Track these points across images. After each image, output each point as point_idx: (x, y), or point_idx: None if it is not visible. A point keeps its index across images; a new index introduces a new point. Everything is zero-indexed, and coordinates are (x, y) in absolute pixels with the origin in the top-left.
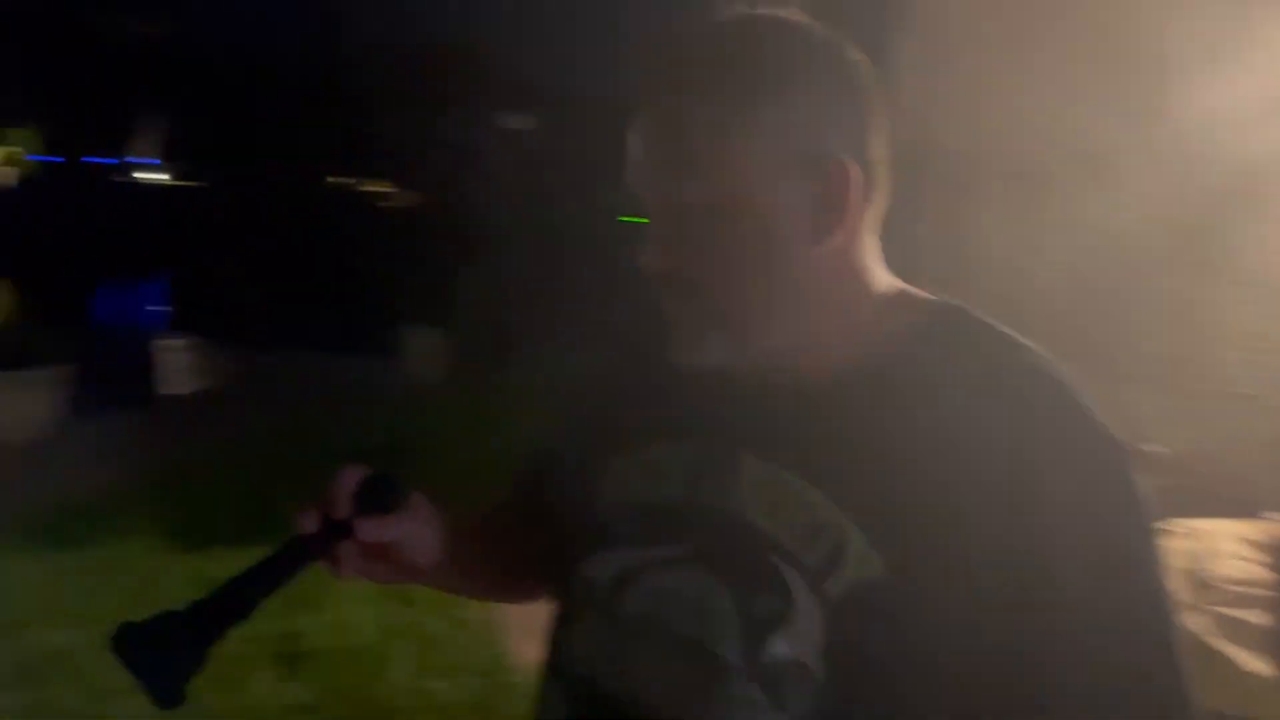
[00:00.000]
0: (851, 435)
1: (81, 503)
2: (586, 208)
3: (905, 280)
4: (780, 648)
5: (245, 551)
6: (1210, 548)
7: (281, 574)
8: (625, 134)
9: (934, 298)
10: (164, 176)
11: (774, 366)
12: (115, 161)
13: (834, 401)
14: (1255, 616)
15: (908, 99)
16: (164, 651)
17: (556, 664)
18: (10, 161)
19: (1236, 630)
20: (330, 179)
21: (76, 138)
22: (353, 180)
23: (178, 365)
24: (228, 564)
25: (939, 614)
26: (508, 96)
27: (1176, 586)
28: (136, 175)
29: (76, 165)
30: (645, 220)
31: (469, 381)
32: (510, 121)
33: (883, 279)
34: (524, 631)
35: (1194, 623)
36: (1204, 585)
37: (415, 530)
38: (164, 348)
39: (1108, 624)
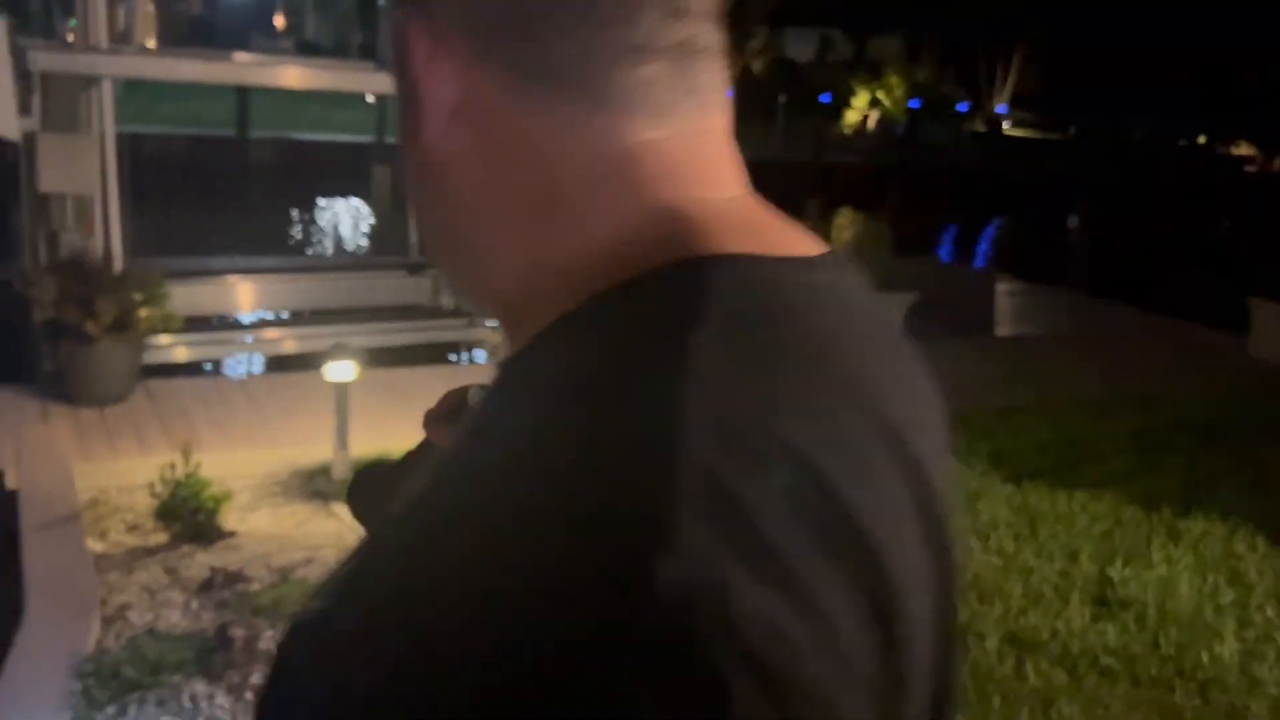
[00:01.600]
0: (453, 438)
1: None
2: None
3: None
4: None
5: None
6: None
7: None
8: None
9: (692, 263)
10: (1016, 126)
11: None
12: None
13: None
14: None
15: None
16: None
17: None
18: (874, 106)
19: None
20: (1190, 139)
21: (945, 84)
22: (1215, 141)
23: (1013, 306)
24: (1036, 495)
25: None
26: None
27: None
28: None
29: (950, 111)
30: None
31: None
32: None
33: (654, 220)
34: None
35: None
36: None
37: None
38: (1004, 289)
39: None
